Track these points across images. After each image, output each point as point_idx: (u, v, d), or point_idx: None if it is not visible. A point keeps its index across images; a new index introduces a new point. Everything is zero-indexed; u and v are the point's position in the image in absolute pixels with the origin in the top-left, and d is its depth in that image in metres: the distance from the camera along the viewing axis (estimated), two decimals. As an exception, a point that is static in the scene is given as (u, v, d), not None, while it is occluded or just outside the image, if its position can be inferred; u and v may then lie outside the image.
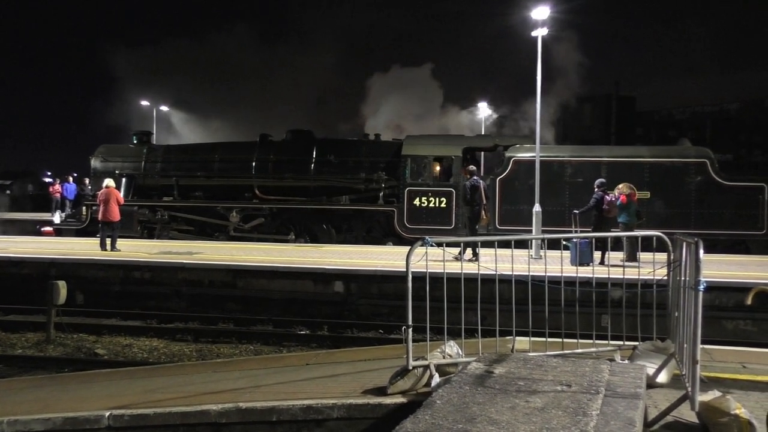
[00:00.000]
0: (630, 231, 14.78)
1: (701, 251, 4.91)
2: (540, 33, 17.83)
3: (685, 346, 5.41)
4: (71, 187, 29.69)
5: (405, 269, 5.94)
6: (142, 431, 6.05)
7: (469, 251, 15.18)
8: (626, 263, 11.75)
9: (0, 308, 14.90)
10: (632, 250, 14.24)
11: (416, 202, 20.41)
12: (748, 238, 19.18)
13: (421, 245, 6.13)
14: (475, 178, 16.37)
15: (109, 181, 18.39)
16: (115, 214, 17.72)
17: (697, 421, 5.01)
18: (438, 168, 20.92)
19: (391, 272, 13.93)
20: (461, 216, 19.09)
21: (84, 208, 23.27)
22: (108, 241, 17.72)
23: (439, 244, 6.64)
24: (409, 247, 6.08)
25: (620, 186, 15.72)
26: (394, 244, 20.37)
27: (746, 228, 18.94)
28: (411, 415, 4.38)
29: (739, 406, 4.80)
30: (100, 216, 17.89)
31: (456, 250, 14.15)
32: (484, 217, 16.79)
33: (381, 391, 6.02)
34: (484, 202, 16.43)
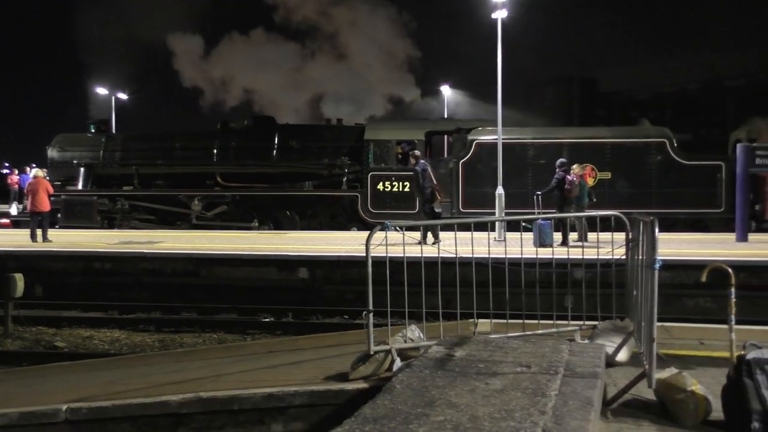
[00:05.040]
0: (582, 211, 14.91)
1: (656, 230, 4.95)
2: (500, 15, 17.82)
3: (643, 324, 5.46)
4: (28, 177, 29.09)
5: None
6: (101, 424, 5.95)
7: (430, 235, 15.12)
8: (582, 242, 11.84)
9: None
10: (584, 230, 14.38)
11: (380, 186, 20.37)
12: (707, 216, 19.48)
13: (381, 230, 6.11)
14: (422, 161, 16.43)
15: (36, 171, 18.32)
16: (44, 204, 17.46)
17: (654, 398, 5.07)
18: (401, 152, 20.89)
19: (355, 257, 13.89)
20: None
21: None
22: (39, 232, 17.44)
23: (399, 229, 6.63)
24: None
25: (573, 167, 15.85)
26: (359, 229, 20.31)
27: (705, 206, 19.23)
28: (370, 400, 4.37)
29: (695, 383, 4.86)
30: (29, 206, 17.65)
31: (419, 235, 14.16)
32: (439, 197, 16.74)
33: (343, 377, 6.00)
34: (435, 182, 16.45)
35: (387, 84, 36.70)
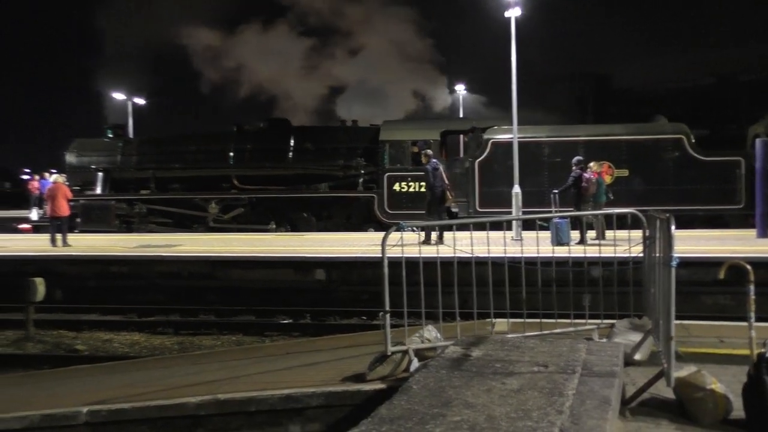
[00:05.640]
0: (600, 209, 14.85)
1: (673, 227, 4.91)
2: (513, 14, 17.75)
3: (660, 322, 5.42)
4: (48, 183, 29.31)
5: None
6: (120, 426, 6.00)
7: (434, 235, 14.87)
8: (601, 241, 11.80)
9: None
10: (602, 228, 14.31)
11: (396, 187, 20.35)
12: (726, 213, 19.30)
13: (396, 230, 6.11)
14: (433, 160, 16.33)
15: (56, 177, 18.50)
16: (63, 209, 17.60)
17: (673, 397, 5.03)
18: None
19: (371, 258, 13.85)
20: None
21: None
22: (59, 236, 17.57)
23: (415, 229, 6.63)
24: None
25: (591, 164, 15.78)
26: (375, 230, 20.28)
27: (724, 203, 19.05)
28: (387, 400, 4.36)
29: (714, 381, 4.82)
30: (48, 212, 17.81)
31: (432, 235, 14.08)
32: (450, 196, 16.61)
33: (360, 378, 6.01)
34: (446, 182, 16.34)
35: (414, 84, 36.76)
